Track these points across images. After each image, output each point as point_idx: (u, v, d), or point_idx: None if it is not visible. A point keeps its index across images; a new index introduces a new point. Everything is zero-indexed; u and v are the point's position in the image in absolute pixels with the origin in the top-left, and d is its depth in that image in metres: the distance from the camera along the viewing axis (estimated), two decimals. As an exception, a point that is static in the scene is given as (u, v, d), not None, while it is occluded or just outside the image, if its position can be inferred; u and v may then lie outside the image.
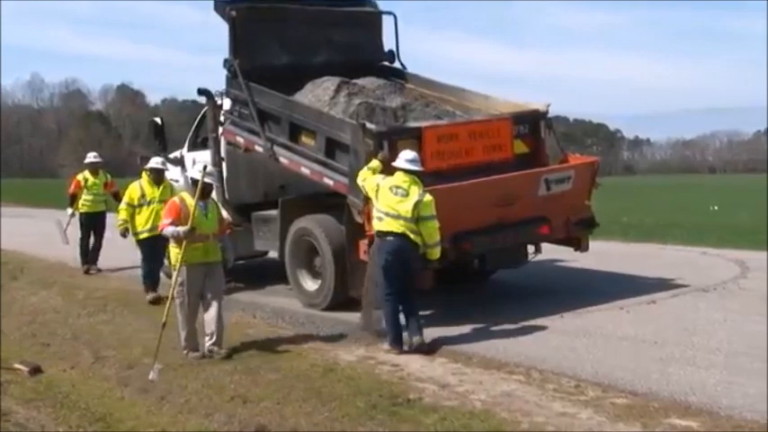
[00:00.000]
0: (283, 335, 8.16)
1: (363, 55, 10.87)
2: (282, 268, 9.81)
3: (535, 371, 6.50)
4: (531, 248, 9.32)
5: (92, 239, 12.80)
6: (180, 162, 11.54)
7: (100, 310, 9.84)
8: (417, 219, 7.12)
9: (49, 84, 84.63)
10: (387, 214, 7.20)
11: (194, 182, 7.47)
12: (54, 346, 8.24)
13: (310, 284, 9.45)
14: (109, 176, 13.20)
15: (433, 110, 9.73)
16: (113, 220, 12.72)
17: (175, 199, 7.61)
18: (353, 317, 8.67)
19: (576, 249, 9.33)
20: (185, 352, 7.38)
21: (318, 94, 9.58)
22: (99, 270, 12.73)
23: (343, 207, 8.55)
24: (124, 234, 10.42)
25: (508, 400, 5.86)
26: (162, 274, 10.27)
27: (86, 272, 12.63)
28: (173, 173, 11.17)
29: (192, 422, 5.68)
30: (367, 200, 7.73)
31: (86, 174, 12.85)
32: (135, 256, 10.58)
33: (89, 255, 12.76)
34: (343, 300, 8.83)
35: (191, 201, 7.38)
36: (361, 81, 9.96)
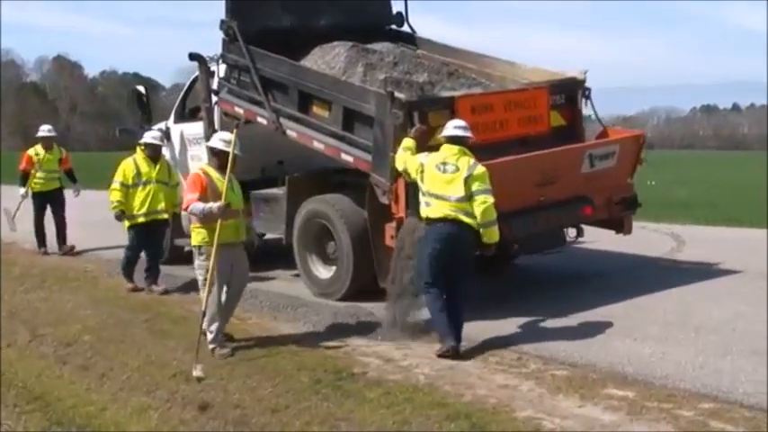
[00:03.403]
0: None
1: (371, 18, 10.09)
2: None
3: (478, 344, 6.58)
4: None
5: (51, 220, 11.95)
6: (166, 135, 10.47)
7: (37, 287, 9.61)
8: (470, 196, 6.23)
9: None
10: (436, 197, 6.30)
11: (215, 152, 6.76)
12: (-11, 324, 8.01)
13: (323, 272, 8.56)
14: (64, 151, 12.29)
15: (456, 80, 8.80)
16: (70, 198, 12.26)
17: (198, 172, 6.77)
18: (300, 291, 8.67)
19: (617, 232, 8.64)
20: (212, 348, 6.53)
21: (329, 60, 8.77)
22: (72, 248, 11.86)
23: (360, 186, 7.76)
24: (119, 217, 9.17)
25: (451, 374, 5.94)
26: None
27: (44, 253, 11.85)
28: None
29: (133, 399, 5.60)
30: (395, 178, 7.05)
31: (38, 148, 11.85)
32: (106, 237, 9.90)
33: (57, 237, 11.93)
34: (361, 289, 8.05)
35: (216, 174, 6.63)
36: (374, 46, 9.14)
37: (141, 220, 9.15)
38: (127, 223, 9.22)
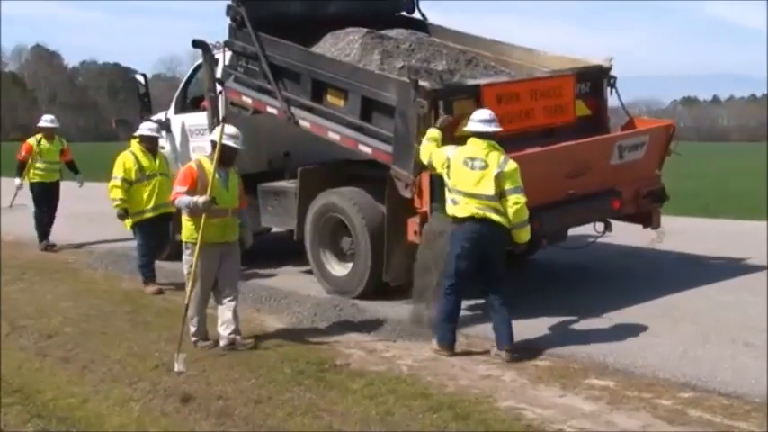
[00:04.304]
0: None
1: (381, 3, 9.81)
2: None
3: (461, 335, 6.60)
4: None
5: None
6: (165, 126, 10.15)
7: (17, 279, 9.52)
8: (502, 194, 5.95)
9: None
10: (464, 195, 5.98)
11: (214, 145, 6.47)
12: (-33, 316, 7.94)
13: (337, 269, 8.24)
14: (65, 143, 12.04)
15: (475, 68, 8.42)
16: (72, 190, 12.07)
17: (192, 164, 6.59)
18: (283, 283, 8.67)
19: (645, 226, 8.38)
20: (194, 341, 6.53)
21: (343, 47, 8.39)
22: (53, 245, 11.50)
23: (377, 179, 7.51)
24: (122, 215, 8.74)
25: (434, 365, 5.97)
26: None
27: (44, 249, 11.47)
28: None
29: (115, 391, 5.58)
30: (419, 170, 6.77)
31: (39, 138, 11.61)
32: (88, 230, 9.63)
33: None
34: (380, 286, 7.77)
35: (210, 167, 6.37)
36: (389, 33, 8.77)
37: (149, 215, 8.79)
38: (130, 221, 8.85)
